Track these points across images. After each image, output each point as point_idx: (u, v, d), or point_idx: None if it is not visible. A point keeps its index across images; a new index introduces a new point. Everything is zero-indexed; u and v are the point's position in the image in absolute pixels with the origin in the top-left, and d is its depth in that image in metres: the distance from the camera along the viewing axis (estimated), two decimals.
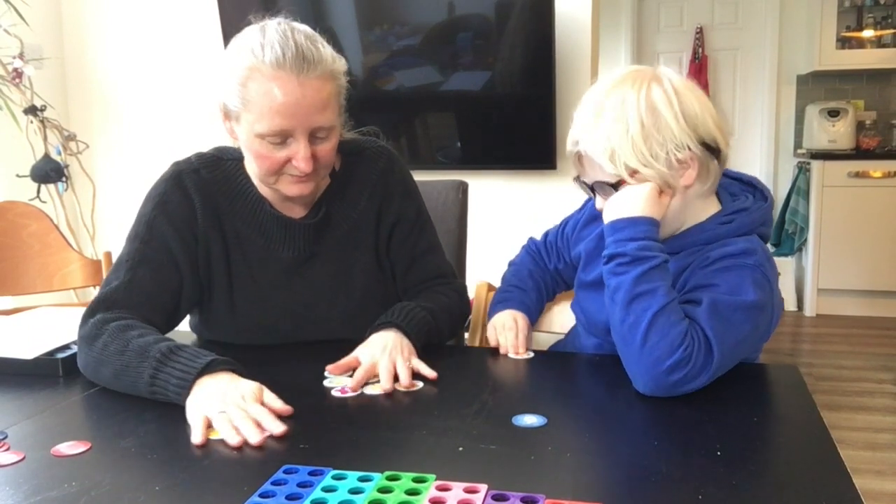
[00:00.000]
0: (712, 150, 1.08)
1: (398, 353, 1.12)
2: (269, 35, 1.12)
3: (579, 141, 1.10)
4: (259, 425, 0.91)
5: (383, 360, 1.10)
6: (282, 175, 1.17)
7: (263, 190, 1.25)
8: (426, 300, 1.28)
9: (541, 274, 1.40)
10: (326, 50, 1.15)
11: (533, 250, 1.43)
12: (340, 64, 1.17)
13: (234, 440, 0.89)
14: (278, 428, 0.91)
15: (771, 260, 1.10)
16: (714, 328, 1.00)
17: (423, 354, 1.15)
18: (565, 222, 1.39)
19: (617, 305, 1.04)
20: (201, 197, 1.23)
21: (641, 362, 1.00)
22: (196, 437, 0.90)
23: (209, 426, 0.92)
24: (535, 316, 1.35)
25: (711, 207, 1.14)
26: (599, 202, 1.13)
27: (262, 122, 1.11)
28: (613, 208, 1.08)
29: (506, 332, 1.25)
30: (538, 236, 1.45)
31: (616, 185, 1.08)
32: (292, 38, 1.11)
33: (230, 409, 0.94)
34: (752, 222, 1.12)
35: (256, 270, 1.26)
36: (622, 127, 1.05)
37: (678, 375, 0.98)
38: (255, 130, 1.12)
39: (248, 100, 1.11)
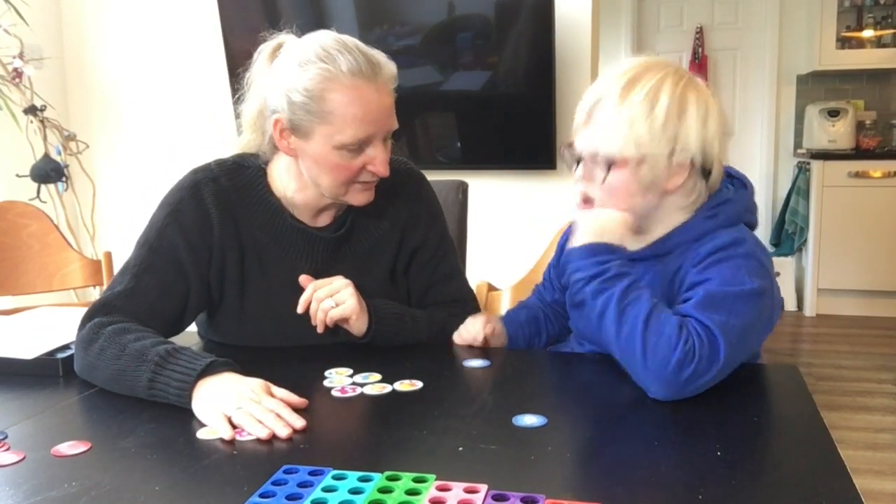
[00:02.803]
0: (705, 171, 1.09)
1: (340, 298, 1.17)
2: (327, 45, 1.13)
3: (602, 98, 1.08)
4: (281, 418, 0.92)
5: (321, 292, 1.17)
6: (352, 184, 1.19)
7: (286, 199, 1.25)
8: (423, 311, 1.30)
9: (539, 306, 1.38)
10: (379, 52, 1.17)
11: (535, 290, 1.43)
12: (394, 65, 1.19)
13: (262, 433, 0.89)
14: (298, 422, 0.92)
15: (761, 246, 1.09)
16: (713, 319, 0.98)
17: (424, 355, 1.14)
18: (558, 251, 1.36)
19: (609, 321, 1.02)
20: (219, 207, 1.22)
21: (648, 368, 0.98)
22: (226, 434, 0.90)
23: (230, 423, 0.92)
24: (514, 326, 1.33)
25: (685, 217, 1.13)
26: (581, 175, 1.12)
27: (347, 132, 1.12)
28: (591, 231, 1.08)
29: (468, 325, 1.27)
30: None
31: (608, 165, 1.07)
32: (353, 45, 1.14)
33: (246, 404, 0.94)
34: (736, 212, 1.11)
35: (271, 279, 1.26)
36: (648, 106, 1.05)
37: (688, 371, 0.96)
38: (336, 141, 1.13)
39: (327, 112, 1.12)
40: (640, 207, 1.10)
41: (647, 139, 1.05)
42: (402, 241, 1.32)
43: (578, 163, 1.13)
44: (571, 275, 1.08)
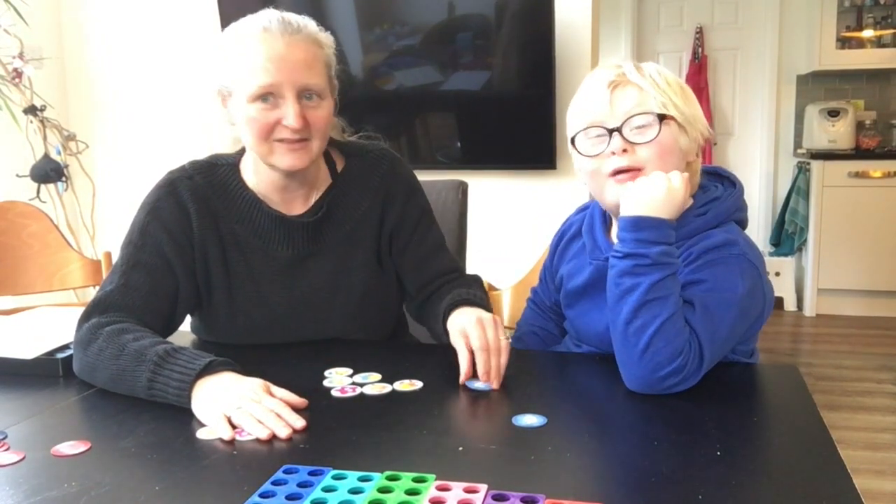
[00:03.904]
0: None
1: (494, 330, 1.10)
2: (253, 15, 1.17)
3: (627, 72, 1.09)
4: (281, 418, 0.92)
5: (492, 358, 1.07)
6: (275, 144, 1.18)
7: (260, 189, 1.26)
8: (462, 287, 1.28)
9: (541, 322, 1.36)
10: (311, 22, 1.19)
11: (531, 298, 1.41)
12: (327, 36, 1.20)
13: (263, 434, 0.89)
14: (298, 422, 0.92)
15: (752, 245, 1.10)
16: (704, 334, 1.01)
17: (425, 355, 1.14)
18: (552, 251, 1.35)
19: (626, 305, 1.01)
20: (196, 202, 1.24)
21: (640, 366, 0.99)
22: (225, 434, 0.90)
23: (230, 423, 0.92)
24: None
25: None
26: (620, 146, 1.07)
27: (251, 81, 1.14)
28: (638, 201, 1.03)
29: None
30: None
31: (660, 119, 1.07)
32: (273, 11, 1.17)
33: (247, 404, 0.94)
34: (726, 210, 1.12)
35: (256, 270, 1.27)
36: (664, 79, 1.09)
37: (670, 381, 0.99)
38: (247, 93, 1.15)
39: (236, 65, 1.15)
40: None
41: (681, 103, 1.09)
42: (383, 219, 1.32)
43: (611, 134, 1.09)
44: (617, 235, 1.05)
